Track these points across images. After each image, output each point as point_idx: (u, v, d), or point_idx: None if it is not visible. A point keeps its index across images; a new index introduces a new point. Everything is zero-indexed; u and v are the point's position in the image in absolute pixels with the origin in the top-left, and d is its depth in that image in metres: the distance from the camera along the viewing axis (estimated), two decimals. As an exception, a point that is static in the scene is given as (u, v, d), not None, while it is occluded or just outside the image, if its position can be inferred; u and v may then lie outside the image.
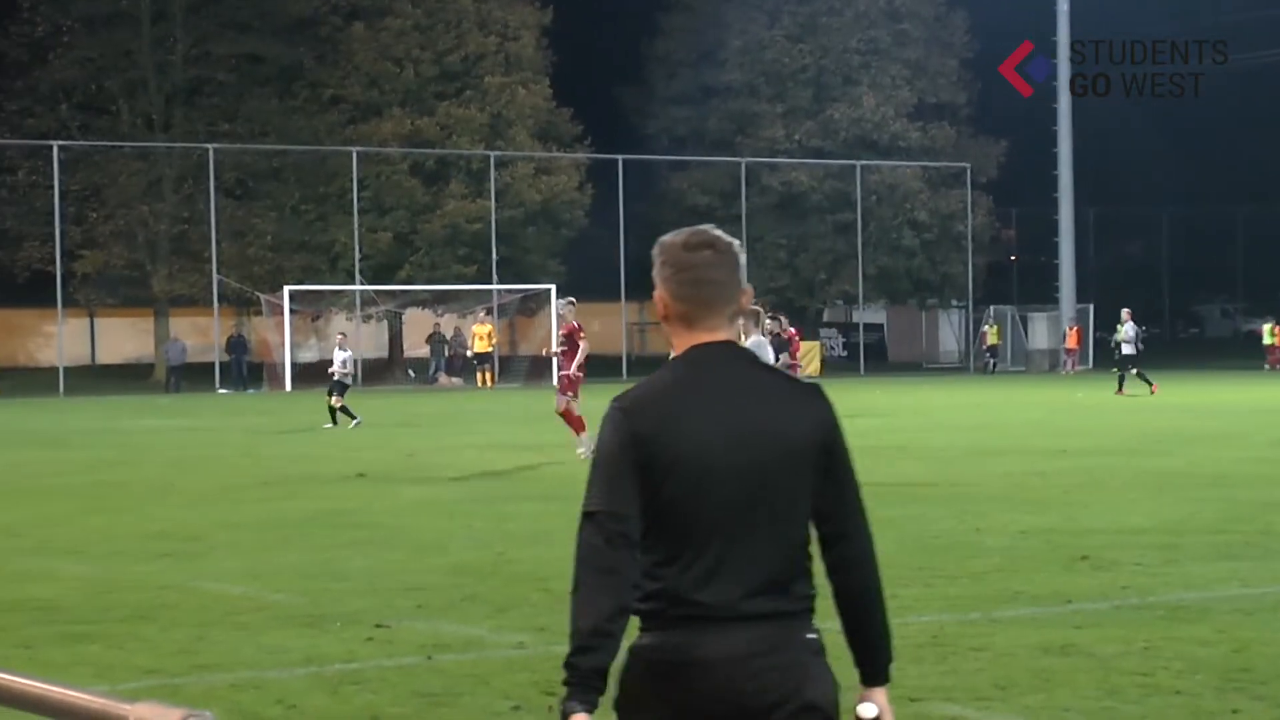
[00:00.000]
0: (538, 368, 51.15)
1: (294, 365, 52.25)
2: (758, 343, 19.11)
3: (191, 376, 54.16)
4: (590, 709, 3.75)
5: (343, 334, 37.52)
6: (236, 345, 55.78)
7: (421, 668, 9.37)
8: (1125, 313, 43.44)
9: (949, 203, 65.76)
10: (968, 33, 67.64)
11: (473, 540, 14.55)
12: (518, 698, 8.49)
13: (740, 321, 4.20)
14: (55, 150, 54.06)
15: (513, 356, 59.64)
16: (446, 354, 58.25)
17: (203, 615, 11.17)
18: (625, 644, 3.88)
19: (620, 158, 60.40)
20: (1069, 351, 60.65)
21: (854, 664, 4.10)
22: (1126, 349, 42.31)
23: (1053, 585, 12.00)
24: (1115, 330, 43.51)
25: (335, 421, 32.38)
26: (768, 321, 25.76)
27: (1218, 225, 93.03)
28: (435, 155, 59.42)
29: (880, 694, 4.04)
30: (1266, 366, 59.14)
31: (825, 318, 71.70)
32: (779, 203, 64.71)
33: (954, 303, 69.63)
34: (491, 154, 58.88)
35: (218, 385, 53.19)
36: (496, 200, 58.46)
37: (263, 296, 55.09)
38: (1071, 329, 60.93)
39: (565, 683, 3.78)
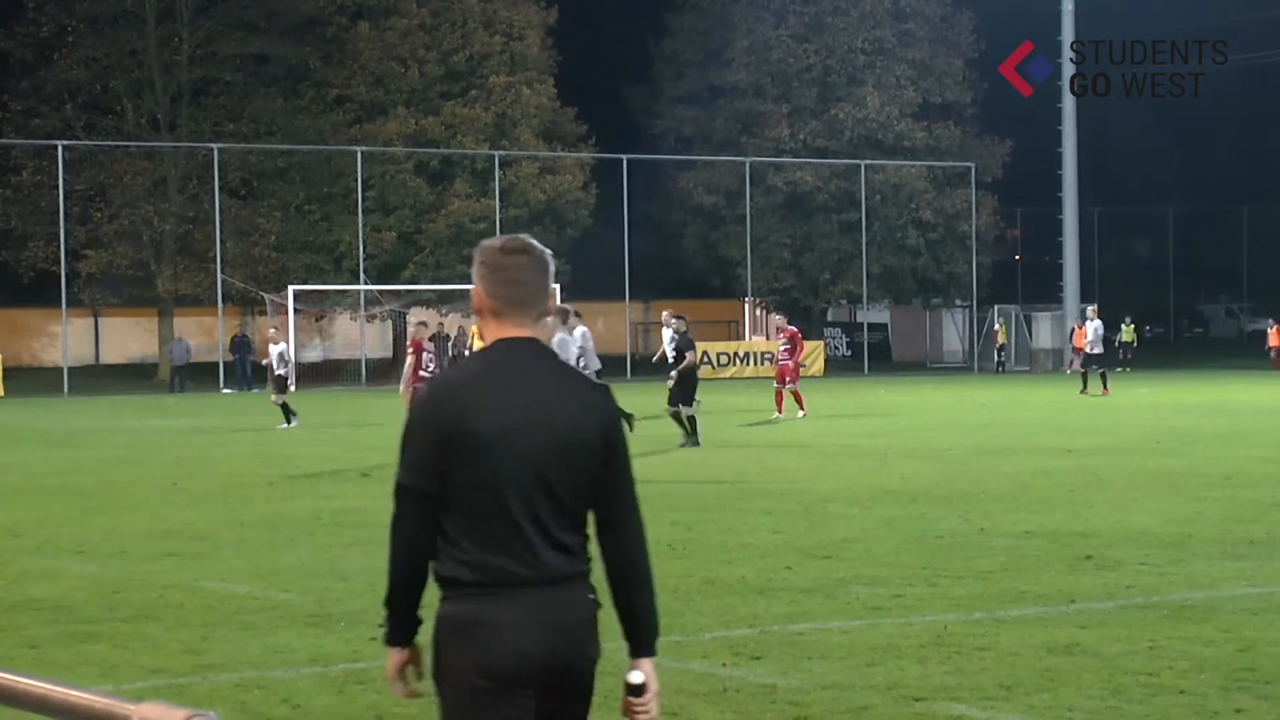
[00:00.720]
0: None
1: (298, 365, 52.12)
2: (561, 341, 21.47)
3: (196, 376, 54.16)
4: (405, 644, 4.57)
5: (274, 328, 37.66)
6: (241, 345, 55.71)
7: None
8: (1091, 310, 43.28)
9: (954, 202, 65.63)
10: (973, 33, 67.52)
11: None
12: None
13: (549, 320, 4.83)
14: (60, 150, 54.04)
15: None
16: (450, 353, 58.22)
17: (208, 615, 11.18)
18: (432, 615, 4.43)
19: (625, 157, 60.30)
20: (1075, 351, 60.55)
21: (623, 636, 4.58)
22: (1093, 349, 42.13)
23: (1058, 585, 12.00)
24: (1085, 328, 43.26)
25: (290, 418, 32.48)
26: (674, 321, 27.34)
27: (1223, 225, 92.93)
28: (440, 155, 59.38)
29: (647, 664, 4.52)
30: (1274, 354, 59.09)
31: (830, 317, 71.64)
32: (784, 202, 64.61)
33: (958, 302, 69.48)
34: (496, 154, 58.83)
35: (222, 385, 53.16)
36: (501, 200, 58.43)
37: (267, 296, 55.06)
38: (1076, 328, 60.83)
39: (387, 621, 4.57)
